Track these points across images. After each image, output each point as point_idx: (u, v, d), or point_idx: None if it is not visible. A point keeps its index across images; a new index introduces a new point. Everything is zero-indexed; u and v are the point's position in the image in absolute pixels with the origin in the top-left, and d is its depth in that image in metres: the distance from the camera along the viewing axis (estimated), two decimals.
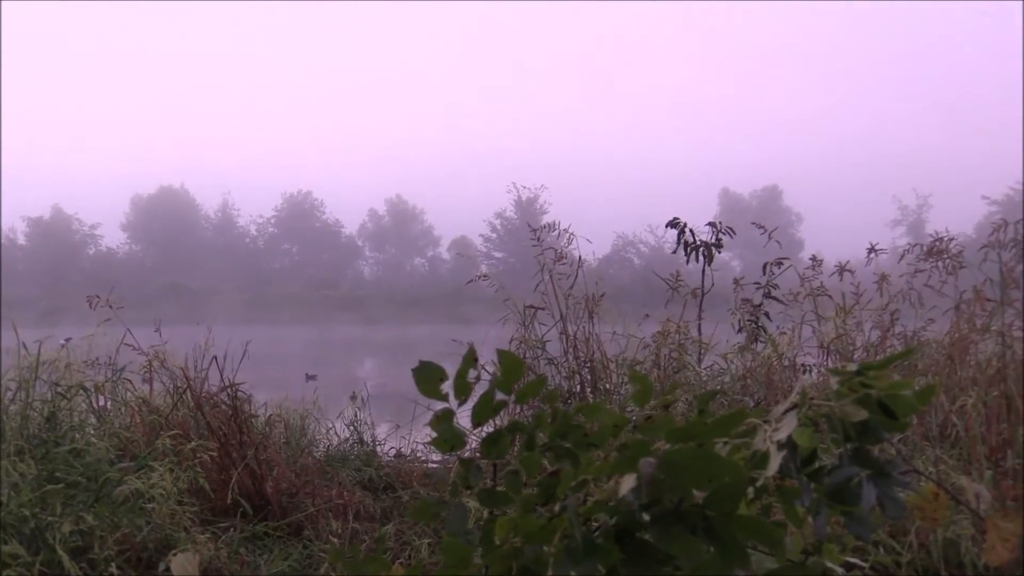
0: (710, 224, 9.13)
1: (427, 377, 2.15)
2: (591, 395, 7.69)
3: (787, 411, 2.11)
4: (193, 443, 5.90)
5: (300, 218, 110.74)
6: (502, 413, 2.22)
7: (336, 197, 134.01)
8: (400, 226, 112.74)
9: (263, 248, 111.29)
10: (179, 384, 6.67)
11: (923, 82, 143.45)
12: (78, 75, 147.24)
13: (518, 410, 6.01)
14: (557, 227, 8.76)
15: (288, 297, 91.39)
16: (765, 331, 8.38)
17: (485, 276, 8.64)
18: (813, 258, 8.50)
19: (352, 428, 7.76)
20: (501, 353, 2.15)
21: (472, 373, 2.16)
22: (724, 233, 9.06)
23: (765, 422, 2.10)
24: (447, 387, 2.16)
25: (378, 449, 7.66)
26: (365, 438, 7.69)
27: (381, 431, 7.98)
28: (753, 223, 9.19)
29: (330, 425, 7.94)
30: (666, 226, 9.22)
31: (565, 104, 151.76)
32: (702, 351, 8.13)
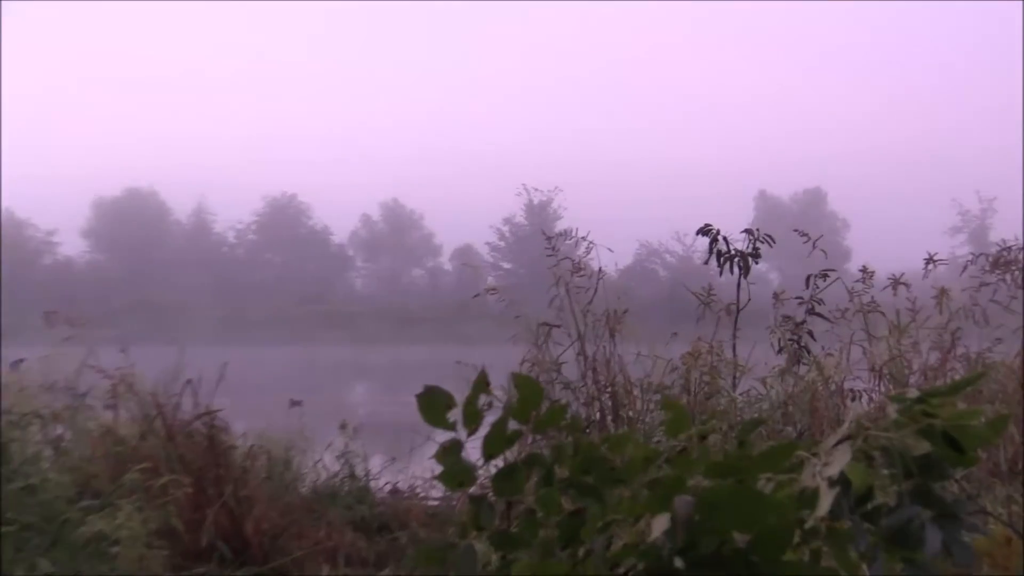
0: (746, 231, 9.12)
1: (433, 404, 2.15)
2: (612, 424, 7.68)
3: (839, 443, 2.10)
4: (164, 478, 5.90)
5: (284, 224, 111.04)
6: (516, 445, 2.22)
7: (325, 201, 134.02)
8: (396, 233, 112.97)
9: (242, 258, 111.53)
10: (148, 411, 6.66)
11: (983, 76, 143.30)
12: (32, 66, 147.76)
13: (531, 440, 6.01)
14: (574, 234, 8.76)
15: (270, 313, 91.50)
16: (809, 352, 8.36)
17: (493, 290, 8.65)
18: (863, 269, 8.49)
19: (342, 461, 7.75)
20: (516, 376, 2.15)
21: (483, 400, 2.16)
22: (762, 241, 9.05)
23: (814, 455, 2.09)
24: (455, 415, 2.15)
25: (372, 485, 7.64)
26: (357, 472, 7.68)
27: (375, 464, 7.96)
28: (795, 230, 9.19)
29: (318, 458, 7.92)
30: (696, 233, 9.21)
31: (581, 99, 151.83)
32: (737, 374, 8.12)
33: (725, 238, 9.02)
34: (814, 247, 8.95)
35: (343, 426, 8.11)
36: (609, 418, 7.79)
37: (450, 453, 2.18)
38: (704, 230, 9.09)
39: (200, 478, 6.06)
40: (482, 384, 2.14)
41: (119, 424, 7.04)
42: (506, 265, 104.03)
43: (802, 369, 8.12)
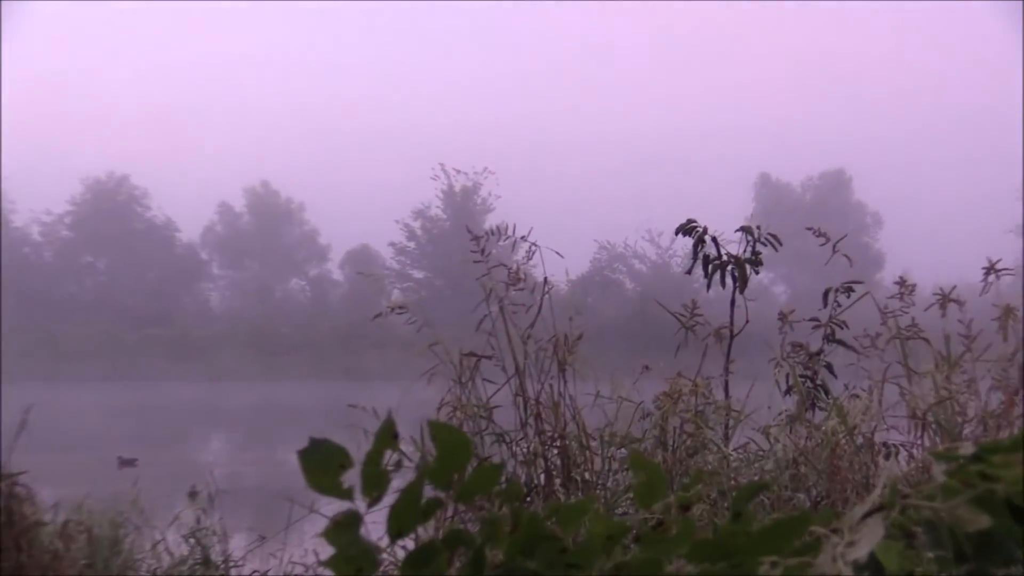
0: (743, 229, 9.19)
1: (321, 463, 2.14)
2: (562, 489, 7.70)
3: (868, 515, 2.13)
4: None
5: (111, 216, 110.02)
6: (434, 518, 2.22)
7: (168, 185, 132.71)
8: (267, 230, 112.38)
9: (52, 262, 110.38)
10: None
11: None
12: None
13: (453, 513, 6.01)
14: (510, 232, 8.78)
15: (92, 339, 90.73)
16: (827, 393, 8.43)
17: (400, 307, 8.63)
18: (901, 281, 8.59)
19: (192, 541, 7.71)
20: (434, 426, 2.16)
21: (389, 457, 2.16)
22: (764, 243, 9.13)
23: (834, 532, 2.12)
24: (350, 478, 2.16)
25: (233, 573, 7.61)
26: (213, 557, 7.65)
27: (237, 545, 7.94)
28: (808, 228, 9.26)
29: (158, 537, 7.88)
30: (676, 232, 9.27)
31: (520, 52, 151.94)
32: (731, 423, 8.18)
33: (715, 238, 9.08)
34: (834, 250, 9.03)
35: (193, 493, 8.07)
36: (558, 481, 7.80)
37: (344, 529, 2.18)
38: (686, 228, 9.15)
39: None
40: (388, 436, 2.14)
41: None
42: (417, 274, 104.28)
43: (818, 416, 8.19)
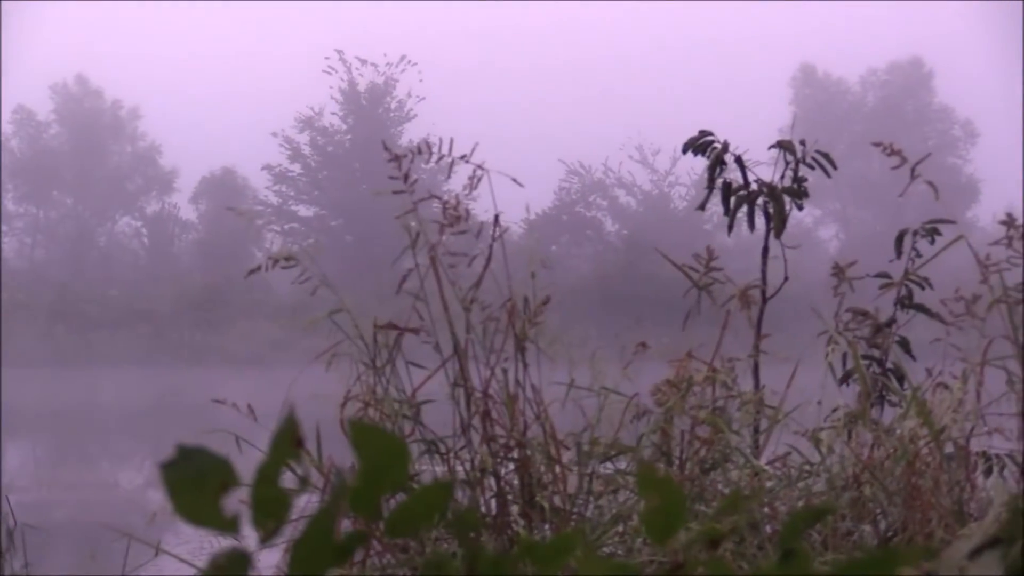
0: (780, 145, 9.21)
1: (194, 481, 2.15)
2: (523, 518, 7.71)
3: (976, 552, 2.16)
4: None
5: None
6: (355, 559, 2.24)
7: None
8: (86, 147, 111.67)
9: None
10: None
11: None
12: None
13: (373, 554, 6.03)
14: (444, 151, 8.72)
15: None
16: (902, 381, 8.47)
17: (288, 259, 8.58)
18: (1008, 220, 8.60)
19: None
20: (357, 430, 2.16)
21: (289, 472, 2.17)
22: (811, 165, 9.15)
23: None
24: (234, 503, 2.16)
25: None
26: None
27: None
28: (876, 144, 9.27)
29: None
30: (683, 150, 9.28)
31: None
32: (764, 424, 8.21)
33: (739, 158, 9.09)
34: (913, 175, 9.06)
35: None
36: (515, 509, 7.80)
37: (227, 571, 2.19)
38: (698, 143, 9.16)
39: None
40: (289, 441, 2.15)
41: None
42: (305, 211, 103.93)
43: (889, 414, 8.22)
